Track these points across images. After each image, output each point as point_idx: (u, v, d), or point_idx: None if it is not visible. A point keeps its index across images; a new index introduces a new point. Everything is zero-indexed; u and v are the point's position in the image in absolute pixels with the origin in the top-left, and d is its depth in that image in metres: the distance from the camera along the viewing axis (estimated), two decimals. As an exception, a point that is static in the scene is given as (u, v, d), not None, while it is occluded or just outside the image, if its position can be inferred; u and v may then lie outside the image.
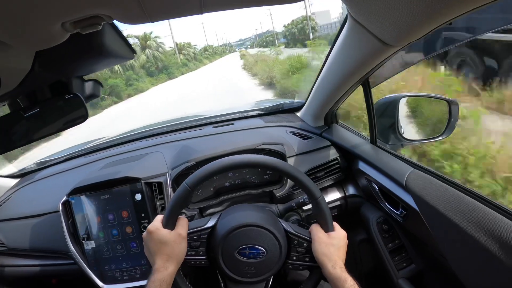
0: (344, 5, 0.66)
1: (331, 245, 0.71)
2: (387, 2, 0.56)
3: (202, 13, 0.51)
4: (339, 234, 0.74)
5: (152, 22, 0.51)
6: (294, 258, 0.74)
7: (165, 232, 0.69)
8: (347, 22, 0.73)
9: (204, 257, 0.73)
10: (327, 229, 0.74)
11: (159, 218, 0.72)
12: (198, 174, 0.71)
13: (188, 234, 0.72)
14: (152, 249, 0.68)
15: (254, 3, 0.52)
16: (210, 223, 0.75)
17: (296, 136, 1.20)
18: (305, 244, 0.74)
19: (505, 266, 0.59)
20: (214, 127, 1.34)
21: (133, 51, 0.75)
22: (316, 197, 0.73)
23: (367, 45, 0.72)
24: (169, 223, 0.70)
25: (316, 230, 0.74)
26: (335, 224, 0.76)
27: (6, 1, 0.36)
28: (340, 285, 0.66)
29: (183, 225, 0.71)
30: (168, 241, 0.68)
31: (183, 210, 1.02)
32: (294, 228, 0.76)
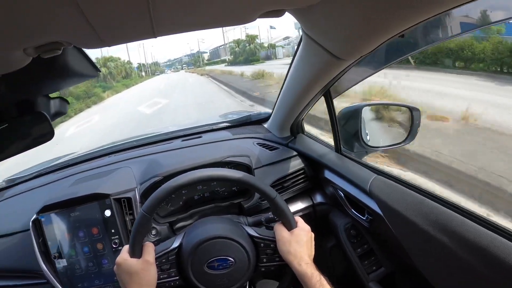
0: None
1: (295, 242, 0.71)
2: (338, 19, 0.59)
3: (155, 37, 0.54)
4: (302, 230, 0.74)
5: (109, 46, 0.54)
6: (265, 260, 0.75)
7: (133, 261, 0.69)
8: (302, 39, 0.77)
9: (177, 277, 0.74)
10: (290, 227, 0.74)
11: (125, 249, 0.72)
12: (152, 199, 0.71)
13: (156, 258, 0.72)
14: (123, 280, 0.69)
15: (204, 26, 0.55)
16: (175, 244, 0.75)
17: (263, 147, 1.22)
18: (272, 245, 0.75)
19: (462, 262, 0.61)
20: (182, 140, 1.34)
21: (97, 70, 0.77)
22: (272, 197, 0.73)
23: (321, 60, 0.76)
24: (135, 252, 0.70)
25: (279, 229, 0.74)
26: (298, 220, 0.76)
27: None
28: (307, 281, 0.67)
29: (149, 251, 0.71)
30: (136, 270, 0.68)
31: (153, 225, 1.02)
32: (258, 232, 0.77)
